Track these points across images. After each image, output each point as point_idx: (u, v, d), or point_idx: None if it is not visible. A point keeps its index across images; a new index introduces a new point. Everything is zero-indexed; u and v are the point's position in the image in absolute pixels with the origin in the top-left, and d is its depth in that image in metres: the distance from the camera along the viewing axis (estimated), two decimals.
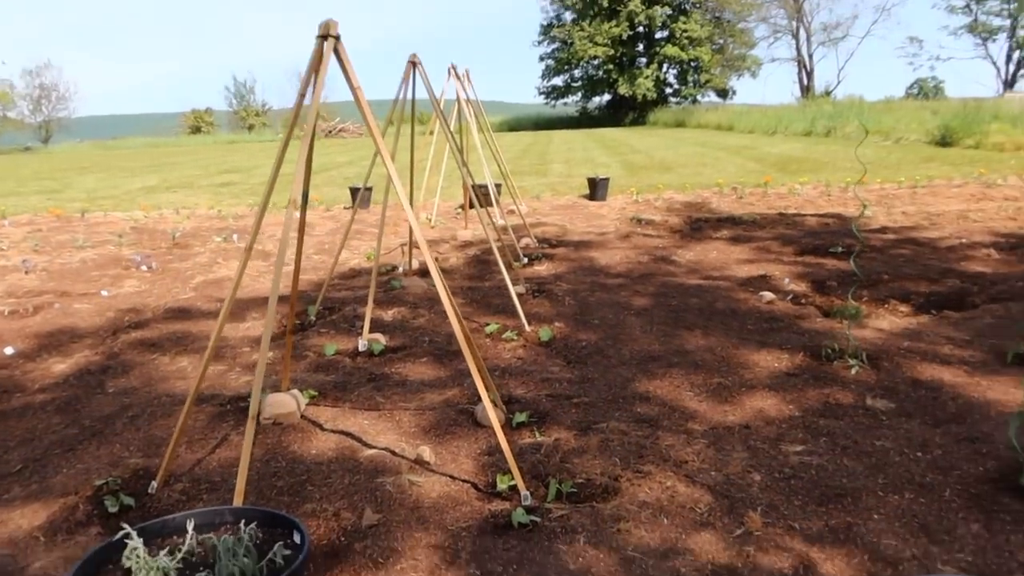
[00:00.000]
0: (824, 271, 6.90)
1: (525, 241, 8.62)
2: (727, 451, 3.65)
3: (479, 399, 3.40)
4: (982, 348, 4.98)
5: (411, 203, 7.56)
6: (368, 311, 5.39)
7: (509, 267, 6.59)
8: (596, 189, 12.00)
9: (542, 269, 7.50)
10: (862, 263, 7.13)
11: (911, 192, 11.45)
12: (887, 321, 5.63)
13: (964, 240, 8.16)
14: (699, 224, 9.42)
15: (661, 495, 3.28)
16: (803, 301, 6.12)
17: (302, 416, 4.26)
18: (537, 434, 3.91)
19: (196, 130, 66.54)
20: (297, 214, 3.43)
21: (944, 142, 20.17)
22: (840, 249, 7.78)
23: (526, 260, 7.77)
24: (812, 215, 9.78)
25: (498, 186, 10.49)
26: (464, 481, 3.51)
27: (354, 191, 12.04)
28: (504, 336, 5.42)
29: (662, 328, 5.50)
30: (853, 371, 4.55)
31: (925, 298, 6.14)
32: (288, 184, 3.58)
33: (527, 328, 5.57)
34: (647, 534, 3.02)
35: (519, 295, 6.01)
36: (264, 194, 3.44)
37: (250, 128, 69.21)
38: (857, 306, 5.71)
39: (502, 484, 3.36)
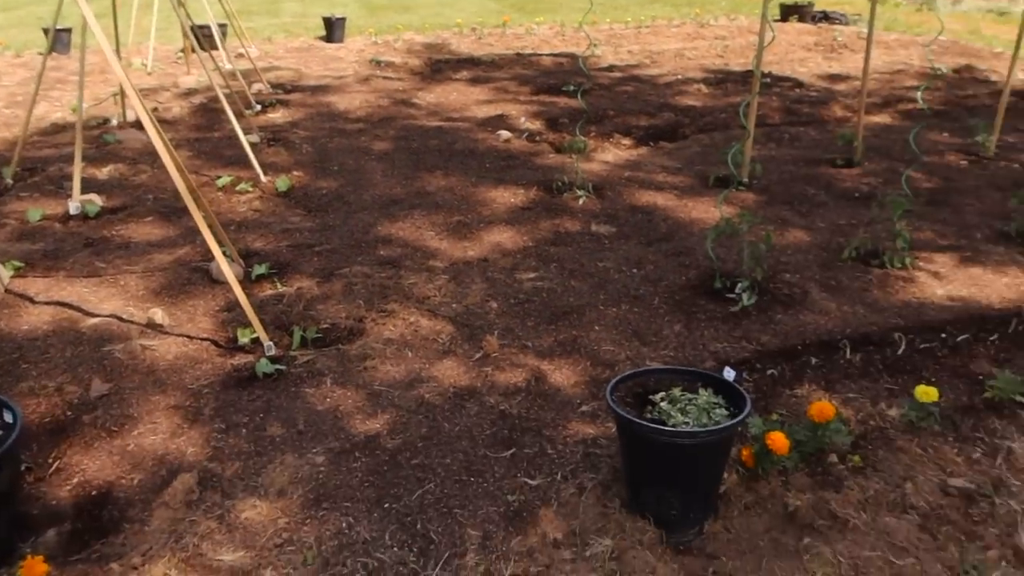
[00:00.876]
0: (557, 109, 7.18)
1: (257, 87, 8.00)
2: (467, 284, 3.81)
3: (213, 256, 3.22)
4: (690, 174, 5.55)
5: (118, 46, 6.64)
6: (77, 169, 4.78)
7: (240, 115, 6.11)
8: (333, 30, 11.32)
9: (277, 116, 7.05)
10: (591, 100, 7.51)
11: (636, 32, 12.08)
12: (611, 154, 6.05)
13: (680, 77, 8.84)
14: (439, 66, 9.31)
15: (405, 331, 3.39)
16: (538, 139, 6.36)
17: (7, 291, 3.79)
18: (279, 285, 3.81)
19: None
20: None
21: None
22: (572, 87, 8.09)
23: (259, 107, 7.25)
24: (547, 55, 10.03)
25: (223, 27, 9.53)
26: (203, 340, 3.36)
27: (47, 32, 10.33)
28: (238, 188, 5.11)
29: (403, 172, 5.48)
30: (580, 201, 4.88)
31: (645, 131, 6.65)
32: None
33: (263, 179, 5.28)
34: (393, 368, 3.12)
35: (252, 145, 5.63)
36: None
37: None
38: (585, 141, 6.05)
39: (243, 338, 3.27)
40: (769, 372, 3.09)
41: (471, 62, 9.47)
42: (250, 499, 2.42)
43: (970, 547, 2.29)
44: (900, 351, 3.22)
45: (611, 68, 9.24)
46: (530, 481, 2.51)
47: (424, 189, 5.13)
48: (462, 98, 7.74)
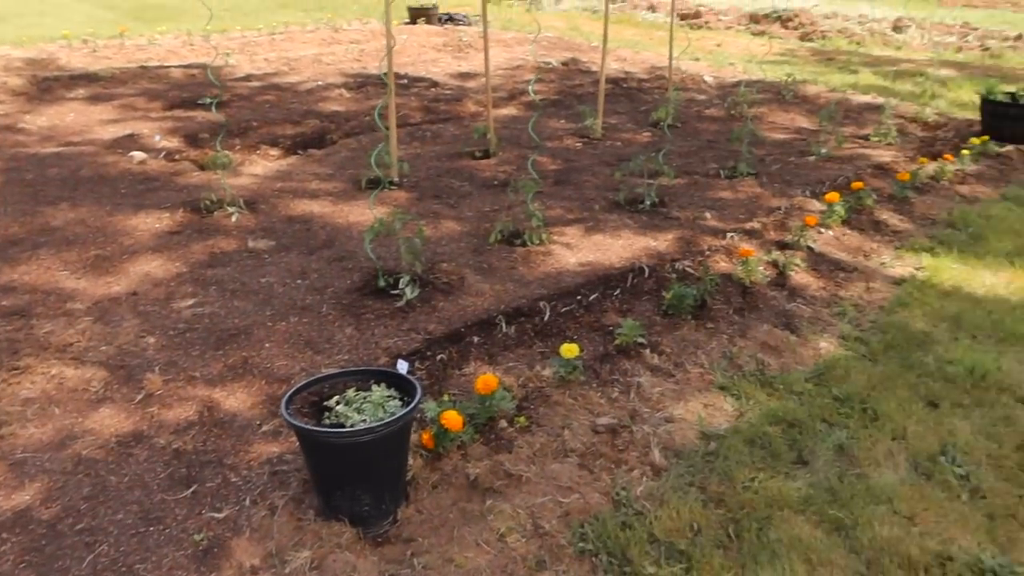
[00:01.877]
0: (195, 124, 6.81)
1: None
2: (116, 323, 3.50)
3: None
4: (343, 179, 5.63)
5: None
6: None
7: None
8: None
9: None
10: (232, 112, 7.24)
11: (271, 39, 11.82)
12: (260, 166, 5.91)
13: (321, 83, 8.86)
14: (49, 84, 8.26)
15: (47, 386, 3.02)
16: (177, 157, 5.99)
17: None
18: None
19: None
20: None
21: None
22: (209, 100, 7.71)
23: None
24: (177, 67, 9.41)
25: None
26: None
27: None
28: None
29: (19, 207, 4.82)
30: (234, 218, 4.72)
31: (292, 140, 6.59)
32: None
33: None
34: (37, 430, 2.78)
35: None
36: None
37: None
38: (229, 155, 5.83)
39: None
40: (439, 357, 3.29)
41: (88, 78, 8.56)
42: None
43: (619, 472, 2.68)
44: (547, 317, 3.63)
45: (248, 77, 8.97)
46: (217, 515, 2.41)
47: (49, 224, 4.56)
48: (82, 119, 6.98)
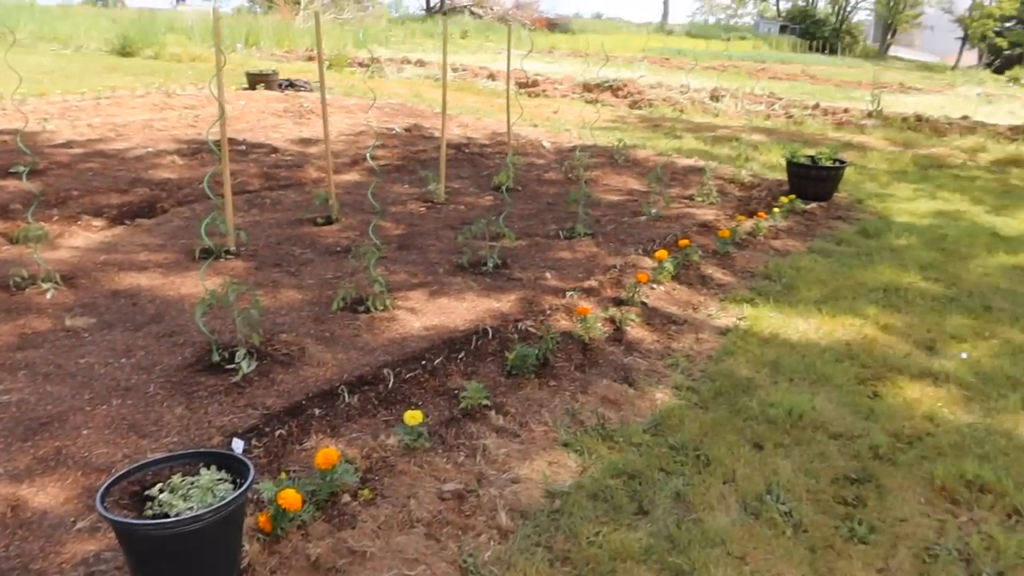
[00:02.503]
0: (6, 194, 6.29)
1: None
2: None
3: None
4: (174, 249, 5.37)
5: None
6: None
7: None
8: None
9: None
10: (50, 181, 6.77)
11: (95, 104, 11.22)
12: (81, 238, 5.54)
13: (151, 149, 8.48)
14: None
15: None
16: None
17: None
18: None
19: None
20: None
21: (125, 52, 20.23)
22: (22, 168, 7.19)
23: None
24: None
25: None
26: None
27: None
28: None
29: None
30: (49, 295, 4.37)
31: (118, 209, 6.23)
32: None
33: None
34: None
35: None
36: None
37: None
38: (44, 227, 5.44)
39: None
40: (278, 433, 3.16)
41: None
42: None
43: (466, 539, 2.66)
44: (391, 384, 3.59)
45: (70, 144, 8.44)
46: None
47: None
48: None
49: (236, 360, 3.62)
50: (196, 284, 4.67)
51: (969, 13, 59.49)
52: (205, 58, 19.54)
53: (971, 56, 63.07)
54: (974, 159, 11.58)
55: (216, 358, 3.68)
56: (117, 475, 2.27)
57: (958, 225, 7.58)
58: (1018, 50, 58.59)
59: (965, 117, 15.44)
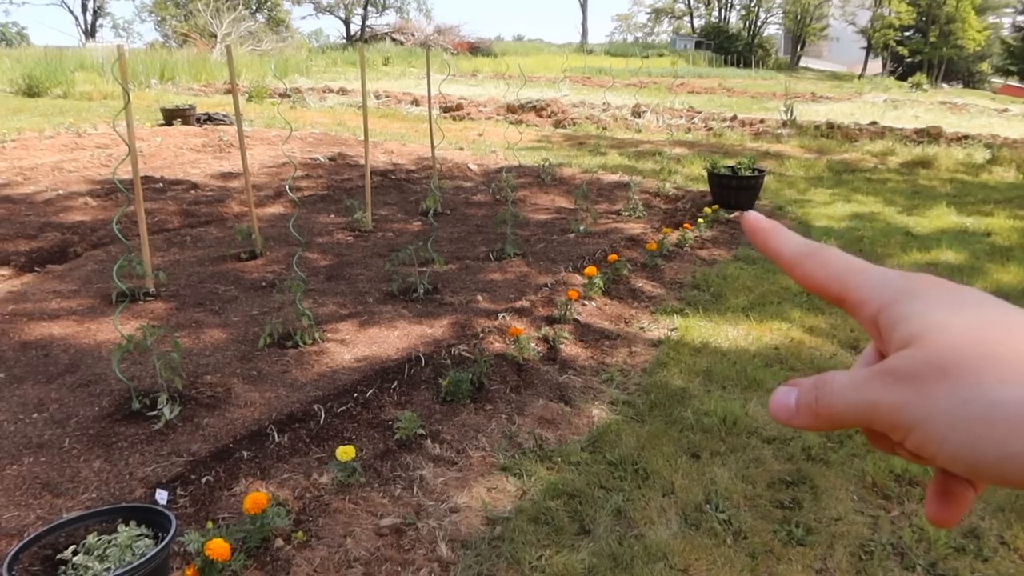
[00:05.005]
0: None
1: None
2: None
3: None
4: (89, 295, 5.15)
5: None
6: None
7: None
8: None
9: None
10: None
11: (0, 147, 10.77)
12: None
13: (62, 192, 8.15)
14: None
15: None
16: None
17: None
18: None
19: None
20: None
21: (31, 92, 19.52)
22: None
23: None
24: None
25: None
26: None
27: None
28: None
29: None
30: None
31: (27, 256, 5.95)
32: None
33: None
34: None
35: None
36: None
37: None
38: None
39: None
40: (204, 480, 3.03)
41: None
42: None
43: (406, 575, 2.58)
44: (322, 420, 3.49)
45: None
46: None
47: None
48: None
49: (158, 406, 3.47)
50: (113, 330, 4.48)
51: (871, 24, 62.53)
52: (117, 95, 18.98)
53: (876, 65, 66.22)
54: (884, 162, 12.08)
55: (136, 406, 3.52)
56: (27, 540, 2.14)
57: (873, 226, 7.86)
58: (918, 57, 61.74)
59: (874, 123, 16.12)
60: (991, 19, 64.98)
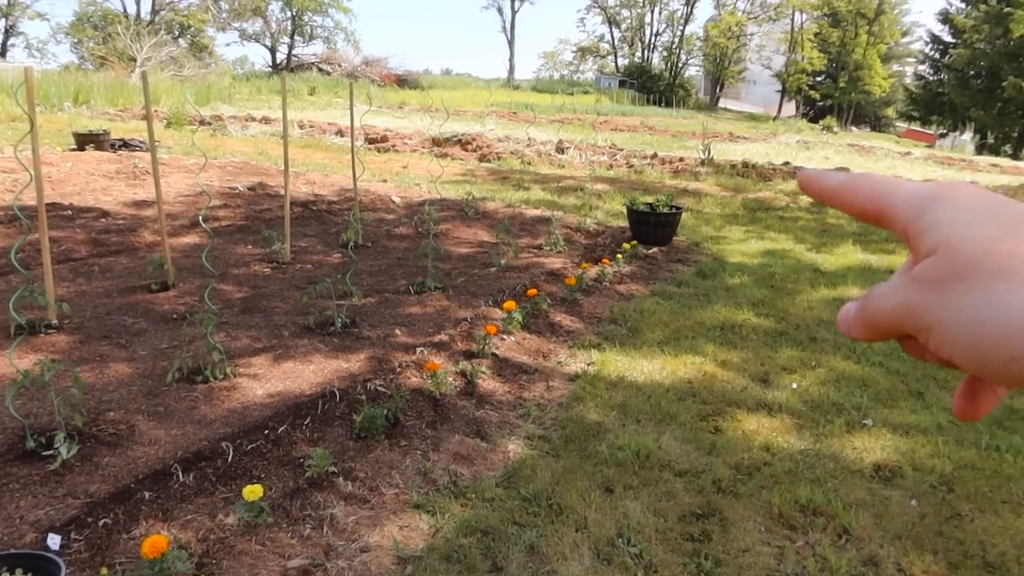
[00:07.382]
0: None
1: None
2: None
3: None
4: None
5: None
6: None
7: None
8: None
9: None
10: None
11: None
12: None
13: None
14: None
15: None
16: None
17: None
18: None
19: None
20: None
21: None
22: None
23: None
24: None
25: None
26: None
27: None
28: None
29: None
30: None
31: None
32: None
33: None
34: None
35: None
36: None
37: None
38: None
39: None
40: (102, 522, 2.90)
41: None
42: None
43: None
44: (230, 458, 3.39)
45: None
46: None
47: None
48: None
49: (54, 445, 3.31)
50: (7, 364, 4.26)
51: (785, 69, 65.57)
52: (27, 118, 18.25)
53: (790, 107, 69.29)
54: (796, 201, 12.61)
55: (31, 444, 3.34)
56: None
57: (784, 263, 8.18)
58: (829, 101, 64.95)
59: (787, 163, 16.84)
60: (895, 67, 69.12)
